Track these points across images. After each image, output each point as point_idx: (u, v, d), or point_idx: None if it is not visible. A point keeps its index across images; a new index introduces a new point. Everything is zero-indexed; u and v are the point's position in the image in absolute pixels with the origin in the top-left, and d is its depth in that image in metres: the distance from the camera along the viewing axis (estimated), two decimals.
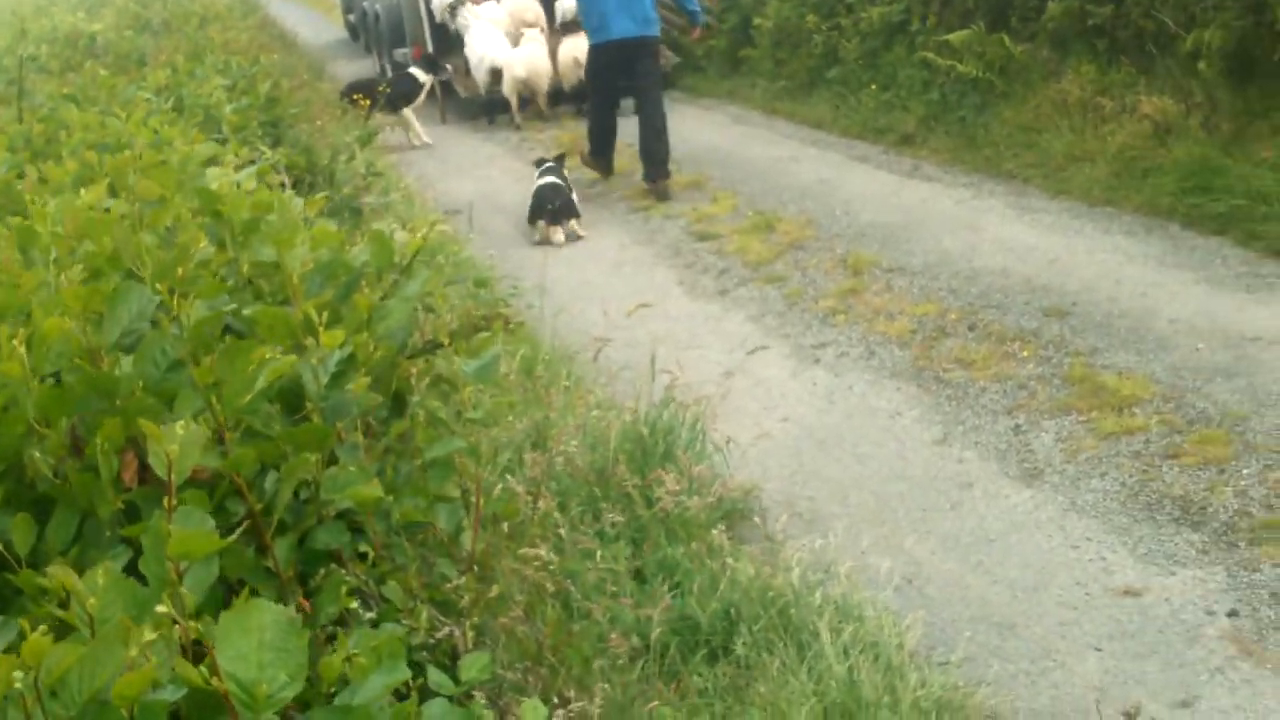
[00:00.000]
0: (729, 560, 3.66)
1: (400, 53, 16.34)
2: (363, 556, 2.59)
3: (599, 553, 3.70)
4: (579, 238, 9.31)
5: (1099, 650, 3.73)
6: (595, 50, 10.45)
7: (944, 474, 5.16)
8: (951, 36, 10.19)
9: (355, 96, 13.58)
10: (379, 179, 9.58)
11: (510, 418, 4.61)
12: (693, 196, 9.90)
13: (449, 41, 15.01)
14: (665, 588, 3.73)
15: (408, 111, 13.53)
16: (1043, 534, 4.54)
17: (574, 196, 9.53)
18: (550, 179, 9.52)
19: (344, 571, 2.45)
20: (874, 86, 11.42)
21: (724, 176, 10.36)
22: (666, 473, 4.00)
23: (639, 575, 3.90)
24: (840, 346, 6.61)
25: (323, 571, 2.44)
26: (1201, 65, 8.08)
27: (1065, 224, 8.00)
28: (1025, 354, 6.12)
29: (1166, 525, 4.48)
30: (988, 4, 10.25)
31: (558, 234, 9.22)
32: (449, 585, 2.59)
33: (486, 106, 14.36)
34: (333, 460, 2.59)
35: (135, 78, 7.98)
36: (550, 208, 9.27)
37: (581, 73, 12.24)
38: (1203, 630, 3.77)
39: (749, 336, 6.93)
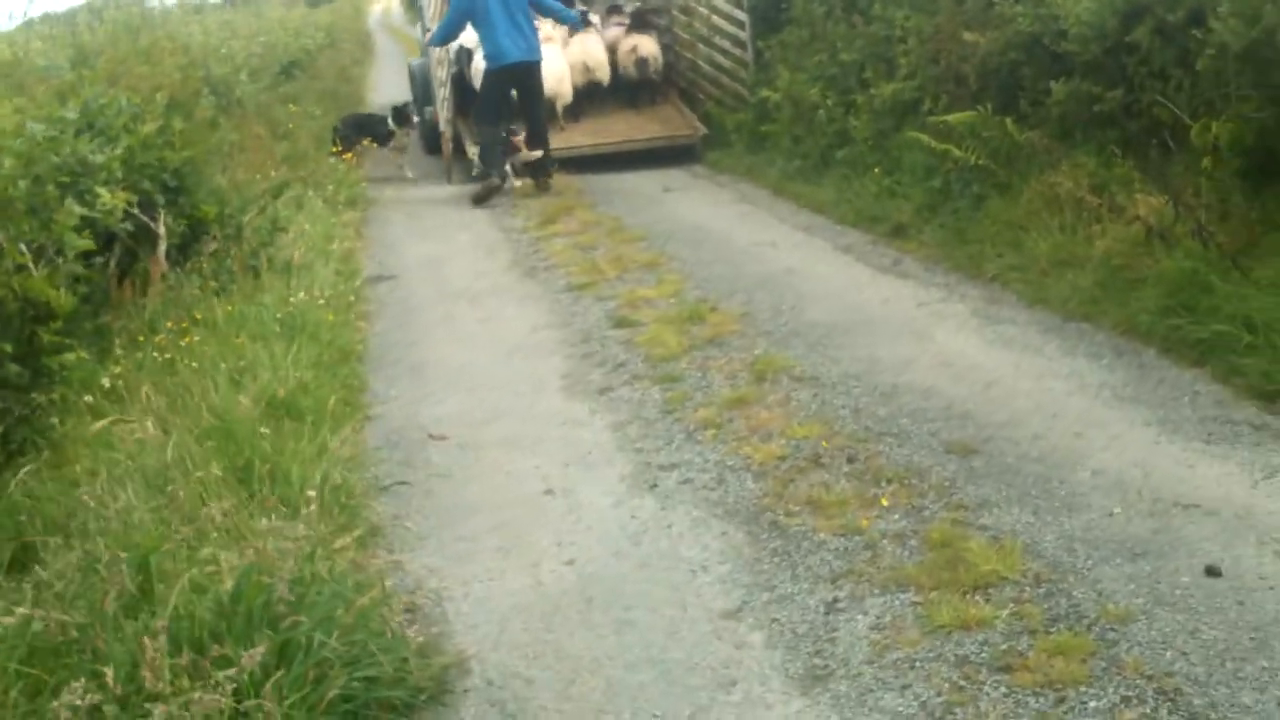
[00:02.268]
0: None
1: (429, 110, 15.52)
2: None
3: None
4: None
5: None
6: (490, 73, 12.25)
7: (710, 662, 3.88)
8: (952, 117, 8.91)
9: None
10: (282, 234, 8.60)
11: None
12: (640, 277, 8.72)
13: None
14: None
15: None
16: None
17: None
18: None
19: None
20: (877, 170, 10.17)
21: (687, 259, 9.17)
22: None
23: None
24: (690, 470, 5.36)
25: None
26: (1206, 162, 6.72)
27: (1028, 340, 6.66)
28: (890, 501, 4.82)
29: None
30: (999, 84, 8.96)
31: None
32: None
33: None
34: None
35: None
36: None
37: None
38: None
39: (600, 447, 5.73)
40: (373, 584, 4.15)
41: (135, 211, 7.50)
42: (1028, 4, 8.34)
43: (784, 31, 13.18)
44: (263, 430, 5.26)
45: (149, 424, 4.94)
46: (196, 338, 6.55)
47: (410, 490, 5.40)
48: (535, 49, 12.18)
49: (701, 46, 14.88)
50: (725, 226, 10.37)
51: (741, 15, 13.99)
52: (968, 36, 8.89)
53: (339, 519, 4.77)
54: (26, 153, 6.38)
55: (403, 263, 9.86)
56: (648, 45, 14.78)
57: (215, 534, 4.04)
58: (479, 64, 13.06)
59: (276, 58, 17.77)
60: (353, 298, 8.25)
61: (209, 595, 3.44)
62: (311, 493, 4.74)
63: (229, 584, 3.41)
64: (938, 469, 5.10)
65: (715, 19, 14.47)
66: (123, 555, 3.53)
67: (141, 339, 6.71)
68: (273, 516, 4.38)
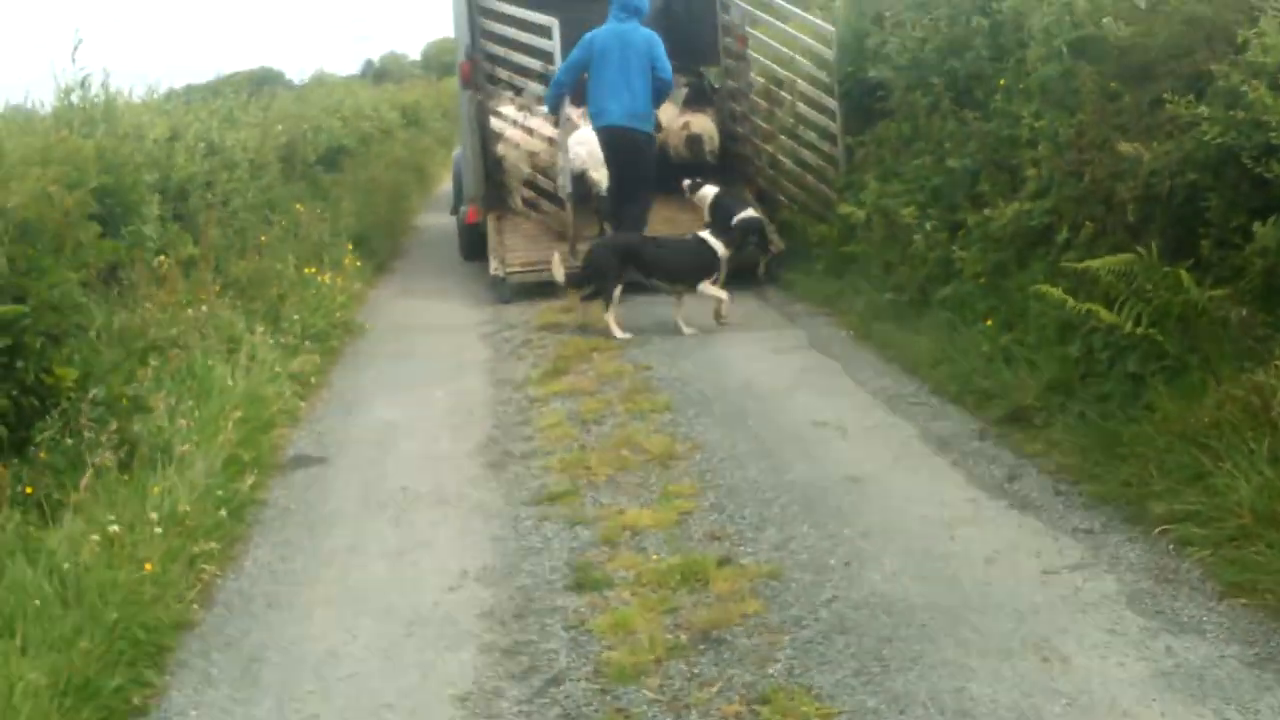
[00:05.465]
0: None
1: (463, 210, 13.28)
2: None
3: None
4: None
5: None
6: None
7: None
8: (1096, 262, 6.19)
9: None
10: (146, 416, 6.18)
11: None
12: (640, 482, 6.12)
13: None
14: None
15: (706, 287, 9.53)
16: None
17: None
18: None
19: None
20: (990, 321, 7.46)
21: (714, 448, 6.57)
22: None
23: None
24: None
25: None
26: None
27: (1227, 679, 3.92)
28: None
29: None
30: (1170, 217, 6.22)
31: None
32: None
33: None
34: None
35: None
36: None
37: None
38: None
39: None
40: None
41: None
42: (1217, 106, 5.64)
43: (879, 126, 10.58)
44: None
45: None
46: None
47: None
48: (645, 117, 10.80)
49: (783, 139, 12.28)
50: (781, 389, 7.74)
51: (831, 103, 11.44)
52: (1125, 148, 6.18)
53: None
54: None
55: (346, 435, 7.37)
56: (701, 123, 12.44)
57: None
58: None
59: (309, 146, 15.48)
60: (224, 513, 5.75)
61: None
62: None
63: None
64: None
65: (800, 107, 11.89)
66: None
67: None
68: None
